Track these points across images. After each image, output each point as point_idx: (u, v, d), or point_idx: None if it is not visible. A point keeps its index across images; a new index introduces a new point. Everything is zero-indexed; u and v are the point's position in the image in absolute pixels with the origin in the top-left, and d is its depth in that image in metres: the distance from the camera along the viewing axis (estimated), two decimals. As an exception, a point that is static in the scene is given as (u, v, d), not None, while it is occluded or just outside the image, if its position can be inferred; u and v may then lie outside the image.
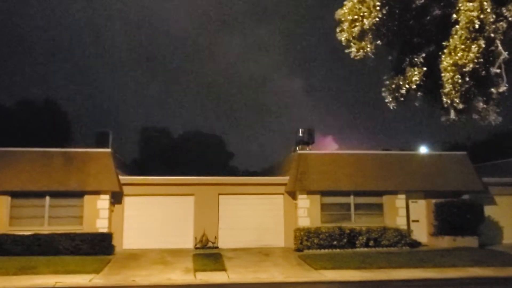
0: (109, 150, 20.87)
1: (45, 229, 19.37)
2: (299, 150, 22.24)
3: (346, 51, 9.56)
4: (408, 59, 9.40)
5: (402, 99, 9.59)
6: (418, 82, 9.05)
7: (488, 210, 21.50)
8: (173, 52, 75.77)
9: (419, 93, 9.48)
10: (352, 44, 9.32)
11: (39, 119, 38.23)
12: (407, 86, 9.24)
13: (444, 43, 8.70)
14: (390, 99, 9.73)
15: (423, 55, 9.11)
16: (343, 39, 9.43)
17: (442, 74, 8.49)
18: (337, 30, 9.66)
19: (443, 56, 8.51)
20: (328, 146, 27.33)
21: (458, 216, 20.17)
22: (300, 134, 22.80)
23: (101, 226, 19.86)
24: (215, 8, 74.63)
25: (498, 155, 27.74)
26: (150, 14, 72.97)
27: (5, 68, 54.44)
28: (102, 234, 19.44)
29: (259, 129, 67.12)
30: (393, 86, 9.57)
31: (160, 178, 21.68)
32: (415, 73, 9.10)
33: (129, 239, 20.50)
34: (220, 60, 76.78)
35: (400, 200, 21.29)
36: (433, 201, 21.30)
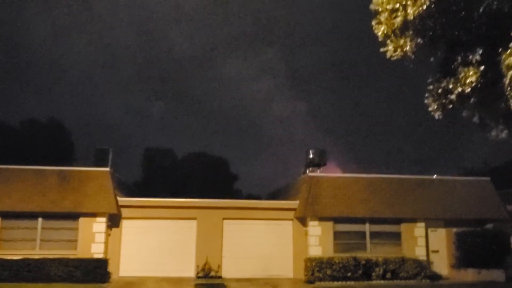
0: (107, 169, 19.57)
1: (36, 253, 17.98)
2: (310, 172, 20.87)
3: (382, 50, 8.22)
4: (460, 58, 7.98)
5: (451, 106, 8.18)
6: (474, 83, 7.62)
7: (514, 241, 19.93)
8: (177, 73, 75.17)
9: (472, 99, 8.03)
10: (389, 41, 7.97)
11: (43, 138, 37.91)
12: (459, 89, 7.82)
13: None
14: (435, 107, 8.35)
15: (480, 52, 7.69)
16: (380, 33, 8.08)
17: (505, 74, 7.06)
18: (373, 22, 8.34)
19: (507, 52, 7.10)
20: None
21: (483, 246, 18.68)
22: (311, 156, 21.46)
23: (97, 251, 18.44)
24: (219, 30, 74.30)
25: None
26: (155, 35, 72.60)
27: (9, 87, 53.77)
28: (98, 260, 18.02)
29: (262, 152, 65.87)
30: (440, 91, 8.16)
31: (160, 200, 20.31)
32: (470, 73, 7.70)
33: (126, 266, 19.08)
34: (223, 82, 76.05)
35: (419, 229, 19.81)
36: (454, 230, 19.83)
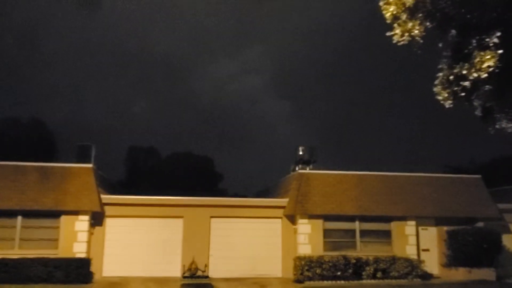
0: (90, 165, 18.87)
1: (15, 253, 17.23)
2: (299, 169, 20.43)
3: (388, 34, 7.74)
4: (475, 41, 7.53)
5: (463, 94, 7.72)
6: (492, 68, 7.17)
7: (505, 239, 19.74)
8: (160, 71, 74.20)
9: (487, 86, 7.58)
10: (396, 25, 7.50)
11: (24, 137, 37.01)
12: (474, 75, 7.36)
13: None
14: (446, 95, 7.88)
15: (498, 34, 7.23)
16: (388, 14, 7.59)
17: None
18: (381, 3, 7.83)
19: None
20: None
21: (474, 245, 18.44)
22: (300, 152, 21.07)
23: (79, 250, 17.77)
24: (204, 28, 73.52)
25: (503, 180, 26.15)
26: (138, 33, 71.55)
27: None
28: (80, 259, 17.35)
29: (247, 151, 65.31)
30: (452, 77, 7.69)
31: (146, 198, 19.62)
32: (488, 57, 7.23)
33: (109, 266, 18.41)
34: (208, 81, 75.31)
35: (409, 227, 19.51)
36: (445, 228, 19.59)
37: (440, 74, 8.12)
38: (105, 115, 64.57)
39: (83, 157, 19.53)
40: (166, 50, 72.67)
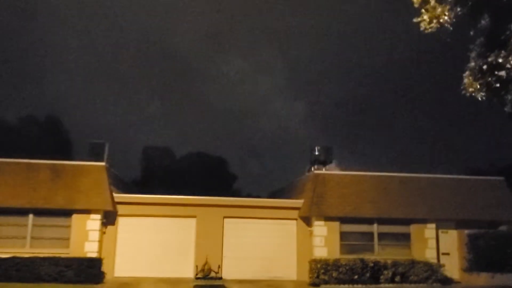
0: (103, 163, 18.59)
1: (26, 251, 17.04)
2: (315, 170, 19.92)
3: (415, 20, 7.21)
4: None
5: (498, 85, 7.14)
6: None
7: (528, 244, 18.98)
8: (175, 71, 74.09)
9: None
10: (424, 11, 6.97)
11: (42, 135, 37.35)
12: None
13: None
14: (478, 87, 7.31)
15: None
16: None
17: None
18: None
19: None
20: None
21: (496, 249, 17.80)
22: (316, 153, 20.49)
23: (90, 250, 17.51)
24: (218, 29, 73.24)
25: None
26: (154, 33, 71.55)
27: (7, 84, 52.73)
28: (91, 259, 17.09)
29: (262, 152, 64.83)
30: (485, 67, 7.12)
31: (158, 197, 19.29)
32: None
33: (121, 266, 18.11)
34: (222, 81, 75.03)
35: (429, 230, 18.89)
36: (466, 231, 18.88)
37: (472, 64, 7.53)
38: (122, 115, 64.74)
39: (96, 155, 19.22)
40: (181, 50, 72.66)
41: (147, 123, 65.61)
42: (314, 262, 17.66)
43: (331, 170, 20.08)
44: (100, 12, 66.47)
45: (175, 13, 71.43)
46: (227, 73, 73.47)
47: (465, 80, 7.57)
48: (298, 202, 19.45)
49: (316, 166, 20.38)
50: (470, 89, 7.44)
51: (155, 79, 72.38)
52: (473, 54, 7.60)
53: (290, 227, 19.29)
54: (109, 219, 18.19)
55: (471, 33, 7.55)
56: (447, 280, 18.14)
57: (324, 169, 20.14)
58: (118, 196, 18.56)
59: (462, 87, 8.03)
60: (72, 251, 17.30)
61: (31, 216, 17.56)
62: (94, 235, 17.67)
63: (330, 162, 20.44)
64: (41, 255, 16.65)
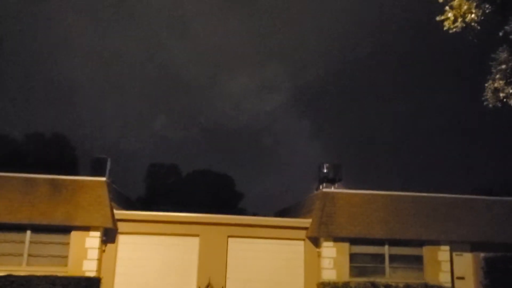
0: (104, 179, 18.00)
1: (23, 269, 16.38)
2: (323, 188, 19.21)
3: (438, 18, 6.59)
4: None
5: None
6: None
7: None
8: (180, 90, 74.00)
9: None
10: (448, 8, 6.33)
11: (48, 152, 37.37)
12: None
13: None
14: (510, 91, 6.60)
15: None
16: None
17: None
18: None
19: None
20: None
21: (515, 275, 16.87)
22: (325, 170, 19.78)
23: (89, 268, 16.79)
24: (223, 46, 73.42)
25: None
26: (159, 50, 71.83)
27: (12, 101, 52.77)
28: (89, 278, 16.39)
29: (268, 170, 64.20)
30: None
31: (160, 214, 18.61)
32: None
33: (121, 286, 17.38)
34: (227, 98, 74.85)
35: (443, 252, 18.05)
36: (482, 254, 18.02)
37: (503, 66, 6.81)
38: (127, 132, 64.56)
39: (98, 170, 18.71)
40: (187, 67, 72.73)
41: (153, 140, 65.36)
42: (323, 285, 16.92)
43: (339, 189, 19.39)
44: (106, 28, 66.82)
45: (180, 31, 71.80)
46: (232, 91, 73.40)
47: (495, 85, 6.85)
48: (306, 222, 18.69)
49: (324, 184, 19.68)
50: (501, 94, 6.74)
51: (161, 97, 72.45)
52: (504, 55, 6.87)
53: (297, 248, 18.52)
54: (109, 236, 17.53)
55: (500, 33, 6.89)
56: (462, 306, 17.26)
57: (333, 188, 19.44)
58: (119, 213, 17.92)
59: (484, 97, 7.39)
60: (70, 270, 16.62)
61: (28, 232, 16.92)
62: (93, 253, 16.98)
63: (340, 180, 19.74)
64: (38, 274, 15.96)
